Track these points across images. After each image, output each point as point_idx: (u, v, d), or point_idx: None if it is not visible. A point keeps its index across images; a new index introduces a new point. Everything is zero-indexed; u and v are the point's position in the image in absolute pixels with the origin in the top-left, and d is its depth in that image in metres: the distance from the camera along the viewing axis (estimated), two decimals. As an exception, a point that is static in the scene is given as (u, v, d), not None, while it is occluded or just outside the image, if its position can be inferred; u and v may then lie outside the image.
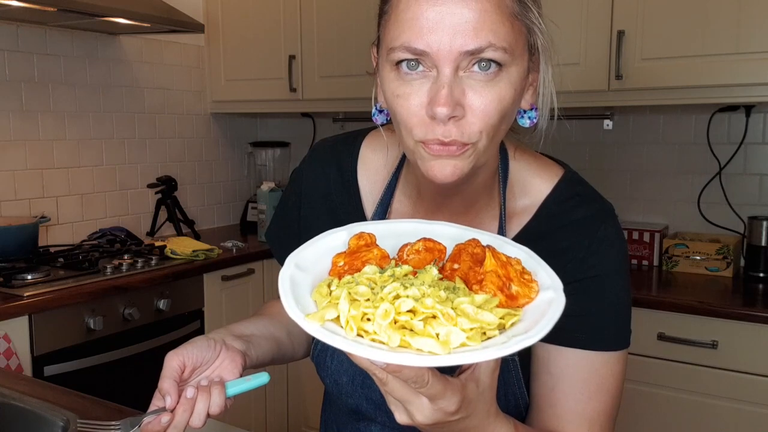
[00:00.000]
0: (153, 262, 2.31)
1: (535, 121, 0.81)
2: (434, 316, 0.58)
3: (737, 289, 2.16)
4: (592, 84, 2.26)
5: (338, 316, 0.60)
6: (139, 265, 2.27)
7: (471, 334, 0.57)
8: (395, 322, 0.58)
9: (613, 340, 0.82)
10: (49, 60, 2.53)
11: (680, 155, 2.52)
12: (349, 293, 0.60)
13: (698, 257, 2.31)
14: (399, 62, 0.73)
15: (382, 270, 0.65)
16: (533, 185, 0.87)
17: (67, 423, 0.99)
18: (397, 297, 0.59)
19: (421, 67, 0.72)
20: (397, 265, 0.66)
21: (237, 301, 2.58)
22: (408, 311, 0.58)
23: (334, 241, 0.71)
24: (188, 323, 2.39)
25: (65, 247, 2.45)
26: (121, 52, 2.78)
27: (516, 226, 0.86)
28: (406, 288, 0.60)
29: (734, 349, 1.93)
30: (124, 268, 2.23)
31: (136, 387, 1.98)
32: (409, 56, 0.71)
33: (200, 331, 2.43)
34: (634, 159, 2.60)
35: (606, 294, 0.82)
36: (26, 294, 1.91)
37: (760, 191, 2.40)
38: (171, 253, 2.43)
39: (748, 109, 2.36)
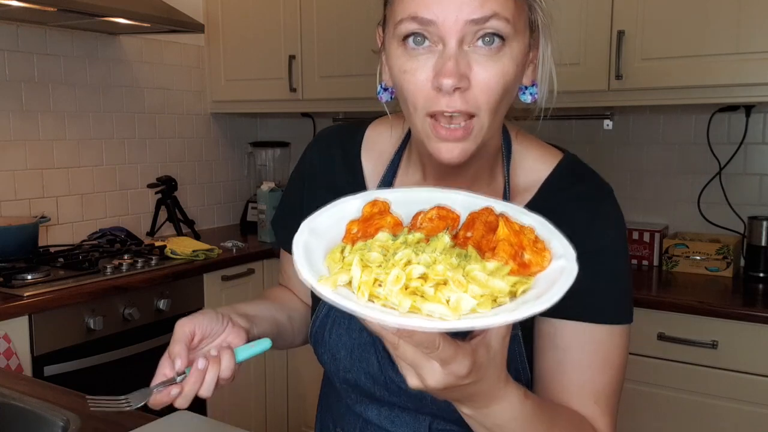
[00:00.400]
0: (153, 262, 2.31)
1: (536, 96, 0.83)
2: (445, 282, 0.58)
3: (737, 289, 2.16)
4: (592, 84, 2.26)
5: (350, 282, 0.60)
6: (139, 265, 2.27)
7: (481, 301, 0.58)
8: (406, 288, 0.58)
9: (616, 313, 0.83)
10: (49, 60, 2.53)
11: (680, 155, 2.53)
12: (362, 259, 0.61)
13: (698, 257, 2.31)
14: (406, 37, 0.75)
15: (395, 237, 0.65)
16: (535, 165, 0.89)
17: (67, 423, 0.99)
18: (409, 263, 0.59)
19: (427, 42, 0.74)
20: (409, 232, 0.66)
21: (237, 301, 2.55)
22: (419, 277, 0.59)
23: (348, 207, 0.72)
24: (188, 323, 2.39)
25: (65, 247, 2.45)
26: (121, 52, 2.78)
27: (518, 204, 0.87)
28: (417, 254, 0.60)
29: (734, 349, 1.93)
30: (124, 268, 2.22)
31: (136, 387, 1.98)
32: (416, 27, 0.73)
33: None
34: (634, 159, 2.60)
35: (607, 268, 0.83)
36: (26, 294, 1.91)
37: (760, 191, 2.40)
38: (171, 253, 2.43)
39: (748, 109, 2.36)
